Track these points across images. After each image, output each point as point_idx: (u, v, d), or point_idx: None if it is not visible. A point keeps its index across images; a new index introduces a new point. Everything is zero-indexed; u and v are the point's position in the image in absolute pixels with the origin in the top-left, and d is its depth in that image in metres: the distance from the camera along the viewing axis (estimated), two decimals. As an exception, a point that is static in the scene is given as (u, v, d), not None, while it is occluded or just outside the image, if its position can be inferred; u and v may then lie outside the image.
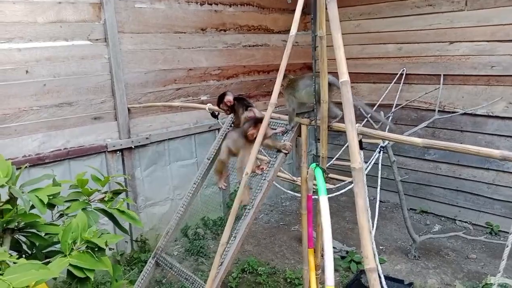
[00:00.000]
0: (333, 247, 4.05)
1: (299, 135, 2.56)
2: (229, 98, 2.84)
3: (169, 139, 4.33)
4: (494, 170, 4.40)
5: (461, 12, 4.40)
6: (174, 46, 4.26)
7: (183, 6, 4.27)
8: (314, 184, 2.58)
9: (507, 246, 1.73)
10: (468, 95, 4.47)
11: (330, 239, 1.48)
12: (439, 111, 4.53)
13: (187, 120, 4.48)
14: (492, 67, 4.26)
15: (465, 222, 4.66)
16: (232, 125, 3.04)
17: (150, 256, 3.18)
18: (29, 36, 3.31)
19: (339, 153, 4.60)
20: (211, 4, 4.50)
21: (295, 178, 3.36)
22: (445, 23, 4.52)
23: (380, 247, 4.25)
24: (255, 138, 2.09)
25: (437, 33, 4.60)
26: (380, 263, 3.82)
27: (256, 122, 2.47)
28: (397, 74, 4.92)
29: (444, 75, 4.57)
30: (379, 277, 2.87)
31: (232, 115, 3.01)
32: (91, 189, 2.22)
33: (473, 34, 4.34)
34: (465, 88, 4.48)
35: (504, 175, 4.33)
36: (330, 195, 3.73)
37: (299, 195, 3.49)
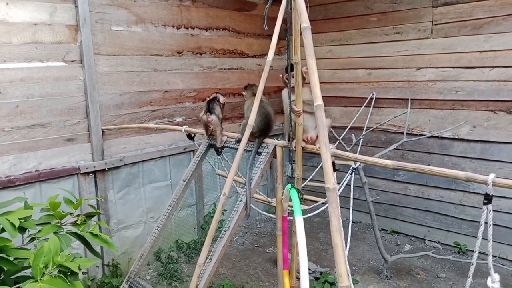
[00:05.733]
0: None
1: (274, 157, 2.62)
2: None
3: (143, 160, 4.30)
4: (460, 190, 4.56)
5: (427, 39, 4.63)
6: (150, 68, 4.29)
7: (159, 30, 4.32)
8: (289, 206, 2.62)
9: (472, 264, 1.81)
10: (434, 118, 4.66)
11: (306, 259, 1.52)
12: (407, 133, 4.70)
13: (162, 142, 4.48)
14: (457, 92, 4.47)
15: (434, 241, 4.78)
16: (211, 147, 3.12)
17: (123, 281, 3.12)
18: (3, 57, 3.27)
19: (313, 174, 4.67)
20: (187, 28, 4.57)
21: (270, 200, 3.40)
22: (412, 50, 4.74)
23: (353, 268, 4.30)
24: None
25: (404, 60, 4.81)
26: (353, 284, 3.87)
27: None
28: (367, 98, 5.09)
29: (411, 99, 4.77)
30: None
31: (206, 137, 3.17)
32: (63, 212, 2.19)
33: (438, 60, 4.57)
34: (431, 112, 4.68)
35: (470, 196, 4.49)
36: (304, 216, 3.77)
37: (274, 216, 3.53)
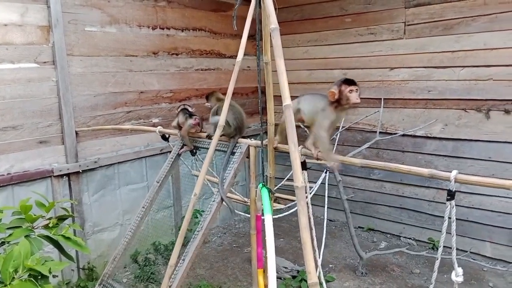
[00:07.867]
0: (284, 267, 4.13)
1: (248, 157, 2.64)
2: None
3: (118, 162, 4.27)
4: (434, 188, 4.66)
5: (400, 40, 4.72)
6: (125, 69, 4.26)
7: (134, 30, 4.30)
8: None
9: (437, 259, 1.87)
10: (408, 117, 4.76)
11: (274, 257, 1.54)
12: (380, 132, 4.77)
13: (138, 143, 4.45)
14: (429, 91, 4.58)
15: (409, 238, 4.88)
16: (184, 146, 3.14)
17: (96, 284, 3.10)
18: (-29, 59, 3.21)
19: (290, 173, 4.70)
20: (163, 29, 4.56)
21: (246, 199, 3.42)
22: (386, 50, 4.83)
23: (330, 265, 4.35)
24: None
25: (378, 60, 4.90)
26: (329, 281, 3.93)
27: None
28: (343, 98, 5.15)
29: (385, 99, 4.86)
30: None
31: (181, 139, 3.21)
32: (35, 215, 2.16)
33: (411, 60, 4.66)
34: (405, 111, 4.77)
35: (443, 193, 4.56)
36: (281, 215, 3.81)
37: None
